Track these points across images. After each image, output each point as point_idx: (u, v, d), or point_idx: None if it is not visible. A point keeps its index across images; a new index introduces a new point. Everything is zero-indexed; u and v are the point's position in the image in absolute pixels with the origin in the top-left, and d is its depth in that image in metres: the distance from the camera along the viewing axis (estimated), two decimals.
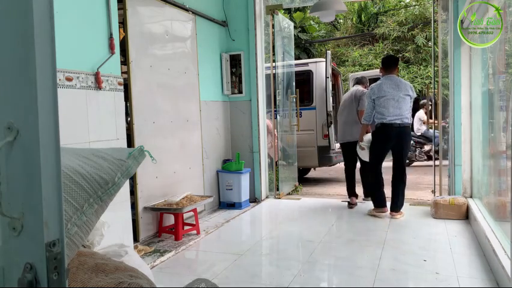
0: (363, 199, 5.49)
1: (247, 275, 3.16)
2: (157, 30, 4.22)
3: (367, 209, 5.11)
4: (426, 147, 9.05)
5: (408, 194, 6.09)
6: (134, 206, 3.79)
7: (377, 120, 4.52)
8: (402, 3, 14.03)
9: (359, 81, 5.55)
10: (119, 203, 3.30)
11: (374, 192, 4.74)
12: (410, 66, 12.67)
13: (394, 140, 4.48)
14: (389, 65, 4.59)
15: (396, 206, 4.60)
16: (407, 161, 5.90)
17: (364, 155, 4.84)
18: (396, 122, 4.40)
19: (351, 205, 5.20)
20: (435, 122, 5.38)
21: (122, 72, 3.54)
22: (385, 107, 4.42)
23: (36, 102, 0.74)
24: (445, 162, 5.34)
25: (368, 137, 4.71)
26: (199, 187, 4.95)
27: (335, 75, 8.17)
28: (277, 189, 6.01)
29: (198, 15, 4.92)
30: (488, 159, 4.11)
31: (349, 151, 5.25)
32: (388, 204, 4.72)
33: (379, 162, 4.64)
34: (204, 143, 5.04)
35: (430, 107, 5.68)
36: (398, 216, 4.61)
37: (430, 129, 7.15)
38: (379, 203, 4.68)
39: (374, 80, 9.53)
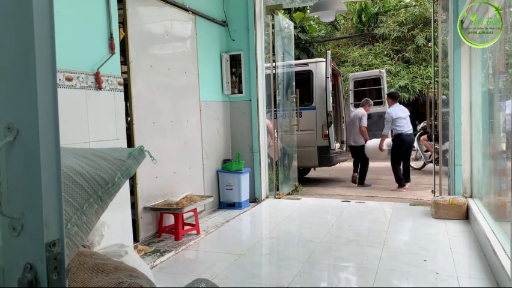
0: (357, 185, 7.18)
1: (247, 275, 3.16)
2: (157, 30, 4.22)
3: (366, 208, 5.20)
4: None
5: (408, 194, 6.13)
6: (134, 206, 3.79)
7: (395, 132, 6.73)
8: (402, 3, 14.02)
9: (362, 104, 7.52)
10: (119, 203, 3.30)
11: (399, 177, 6.71)
12: (410, 66, 12.67)
13: (407, 143, 6.77)
14: (395, 97, 7.00)
15: (408, 178, 6.85)
16: None
17: (369, 153, 7.13)
18: (408, 132, 6.73)
19: (354, 178, 7.37)
20: (436, 122, 5.39)
21: (122, 72, 3.54)
22: (401, 123, 6.69)
23: (36, 102, 0.74)
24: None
25: (388, 141, 6.94)
26: (199, 187, 4.95)
27: (335, 75, 8.17)
28: (277, 189, 6.01)
29: (198, 15, 4.92)
30: (488, 159, 4.11)
31: (353, 151, 7.45)
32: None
33: (400, 157, 6.74)
34: (204, 143, 5.04)
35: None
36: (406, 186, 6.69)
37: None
38: (402, 184, 6.69)
39: (373, 79, 9.61)
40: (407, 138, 6.70)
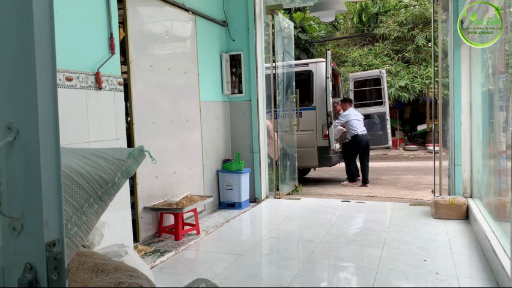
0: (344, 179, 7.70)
1: (247, 275, 3.16)
2: (157, 30, 4.22)
3: (366, 208, 5.20)
4: None
5: (408, 194, 6.13)
6: (134, 206, 3.79)
7: (351, 133, 7.28)
8: (402, 3, 14.02)
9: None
10: (119, 203, 3.30)
11: (351, 173, 7.43)
12: (410, 66, 12.67)
13: (363, 142, 7.31)
14: (350, 101, 7.71)
15: (365, 178, 7.38)
16: None
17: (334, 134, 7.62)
18: (363, 133, 7.32)
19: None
20: (436, 121, 5.39)
21: (122, 72, 3.54)
22: (355, 124, 7.28)
23: (36, 102, 0.74)
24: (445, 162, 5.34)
25: (337, 131, 7.41)
26: (199, 187, 4.95)
27: (335, 75, 8.16)
28: (277, 189, 6.01)
29: (198, 15, 4.92)
30: (488, 159, 4.11)
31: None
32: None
33: (354, 156, 7.41)
34: (204, 143, 5.04)
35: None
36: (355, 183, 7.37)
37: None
38: (353, 179, 7.42)
39: (373, 80, 9.61)
40: (363, 138, 7.30)
